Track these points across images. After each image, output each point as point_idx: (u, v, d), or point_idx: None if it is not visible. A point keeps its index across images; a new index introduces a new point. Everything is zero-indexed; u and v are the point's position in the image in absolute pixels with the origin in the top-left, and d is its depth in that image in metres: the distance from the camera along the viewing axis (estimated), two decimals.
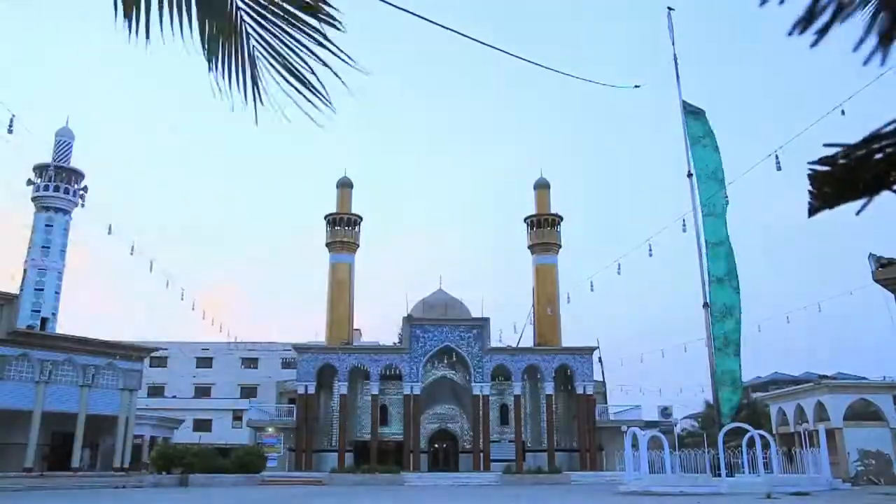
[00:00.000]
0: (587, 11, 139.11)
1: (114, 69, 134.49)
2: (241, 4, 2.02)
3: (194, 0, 1.98)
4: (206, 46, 2.02)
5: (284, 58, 2.01)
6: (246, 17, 2.02)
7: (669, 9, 33.63)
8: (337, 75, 1.98)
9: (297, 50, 2.00)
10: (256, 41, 2.04)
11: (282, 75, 2.02)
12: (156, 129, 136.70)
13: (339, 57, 1.96)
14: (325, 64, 1.97)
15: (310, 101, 2.01)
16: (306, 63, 1.99)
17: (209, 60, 2.03)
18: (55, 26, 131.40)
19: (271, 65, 2.04)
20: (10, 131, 22.20)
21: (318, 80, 1.99)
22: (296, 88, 2.00)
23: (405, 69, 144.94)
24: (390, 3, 4.37)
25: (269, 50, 2.04)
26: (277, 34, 2.01)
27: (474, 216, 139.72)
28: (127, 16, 1.92)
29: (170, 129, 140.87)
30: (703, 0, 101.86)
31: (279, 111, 2.04)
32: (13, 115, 22.06)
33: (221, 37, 2.03)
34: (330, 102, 2.01)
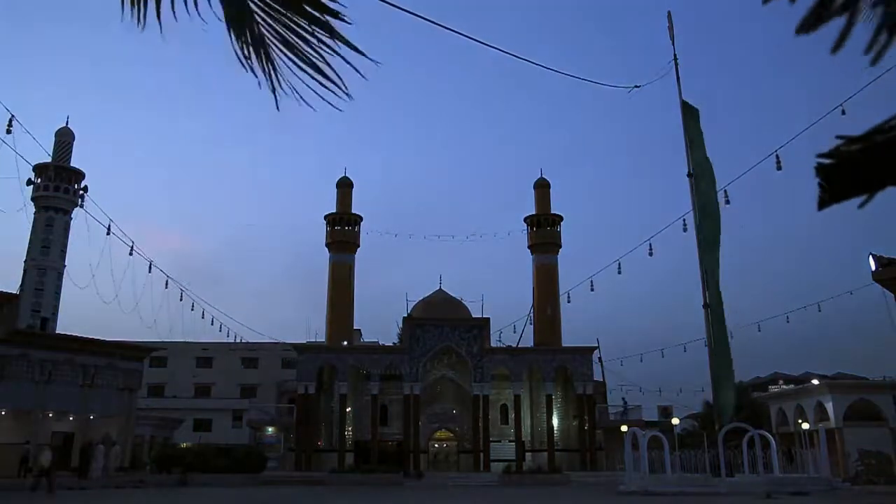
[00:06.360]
0: (588, 11, 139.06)
1: (112, 68, 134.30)
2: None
3: None
4: (228, 25, 1.99)
5: (296, 48, 1.99)
6: (255, 9, 2.02)
7: (669, 11, 33.76)
8: (349, 62, 1.96)
9: (308, 40, 1.98)
10: (267, 31, 2.02)
11: (296, 64, 1.99)
12: (155, 128, 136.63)
13: (349, 46, 1.95)
14: (337, 53, 1.96)
15: (325, 86, 1.98)
16: (318, 53, 1.98)
17: (237, 36, 1.99)
18: (54, 26, 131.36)
19: (284, 55, 2.01)
20: (8, 131, 22.20)
21: (331, 69, 1.98)
22: (311, 76, 1.98)
23: (405, 69, 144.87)
24: (392, 4, 4.37)
25: (281, 42, 2.01)
26: (288, 24, 1.99)
27: (474, 215, 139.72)
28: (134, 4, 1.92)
29: (169, 129, 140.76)
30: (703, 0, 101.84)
31: (296, 96, 2.02)
32: (12, 116, 22.08)
33: (235, 23, 2.01)
34: (346, 89, 1.98)
